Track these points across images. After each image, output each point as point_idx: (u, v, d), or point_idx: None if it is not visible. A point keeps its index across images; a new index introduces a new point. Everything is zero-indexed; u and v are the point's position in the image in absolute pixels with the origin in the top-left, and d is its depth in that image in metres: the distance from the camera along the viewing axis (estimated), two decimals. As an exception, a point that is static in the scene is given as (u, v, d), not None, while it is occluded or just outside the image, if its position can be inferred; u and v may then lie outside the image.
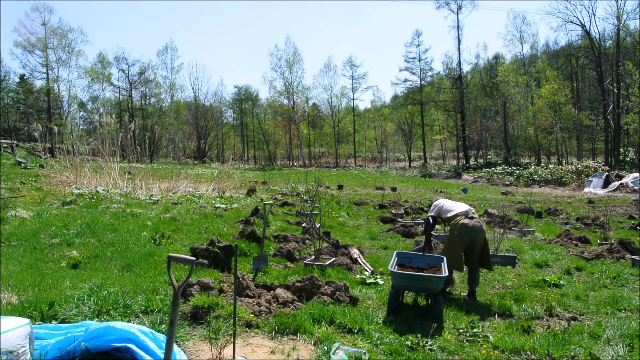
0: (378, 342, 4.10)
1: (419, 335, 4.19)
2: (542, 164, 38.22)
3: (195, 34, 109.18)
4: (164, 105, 59.28)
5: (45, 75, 46.80)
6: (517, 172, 33.88)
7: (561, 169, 31.66)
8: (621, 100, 36.66)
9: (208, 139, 63.80)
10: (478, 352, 4.04)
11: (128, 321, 3.99)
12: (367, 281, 6.13)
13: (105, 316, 4.09)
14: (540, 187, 27.87)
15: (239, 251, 6.99)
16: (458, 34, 48.00)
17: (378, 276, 6.45)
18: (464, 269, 5.93)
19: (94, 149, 20.41)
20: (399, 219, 12.32)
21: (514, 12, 79.17)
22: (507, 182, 30.57)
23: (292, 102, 57.99)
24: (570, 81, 47.26)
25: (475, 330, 4.52)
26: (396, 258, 5.59)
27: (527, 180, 30.56)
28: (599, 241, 9.41)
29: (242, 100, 66.27)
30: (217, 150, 68.77)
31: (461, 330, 4.52)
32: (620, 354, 4.02)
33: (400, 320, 4.67)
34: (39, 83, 50.61)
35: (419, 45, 53.58)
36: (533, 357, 3.93)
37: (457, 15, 47.49)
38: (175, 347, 3.25)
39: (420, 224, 11.16)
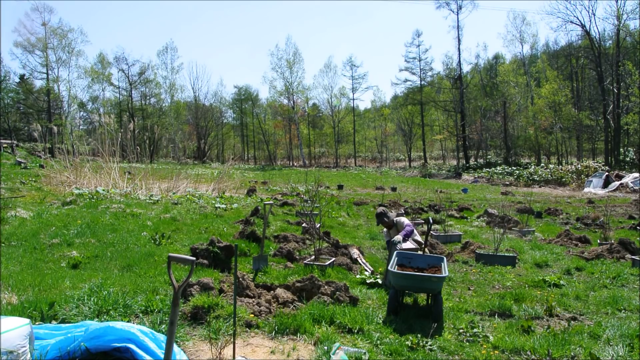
0: (378, 342, 4.10)
1: (419, 335, 4.19)
2: (542, 164, 38.21)
3: (195, 34, 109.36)
4: (164, 105, 59.27)
5: (45, 75, 46.83)
6: (517, 172, 33.88)
7: (561, 169, 31.67)
8: (621, 100, 36.67)
9: (208, 139, 63.80)
10: (478, 352, 4.04)
11: (128, 321, 3.99)
12: (367, 281, 6.13)
13: (105, 316, 4.09)
14: (540, 187, 27.87)
15: (239, 251, 6.99)
16: (458, 34, 48.13)
17: (378, 276, 6.44)
18: None
19: (93, 149, 20.44)
20: (399, 219, 12.30)
21: (514, 12, 79.51)
22: (507, 182, 30.57)
23: (292, 102, 58.00)
24: (570, 81, 47.26)
25: (475, 330, 4.51)
26: (396, 258, 5.59)
27: (527, 180, 30.56)
28: (599, 241, 9.41)
29: (242, 100, 66.25)
30: (217, 150, 68.75)
31: (461, 330, 4.51)
32: (620, 354, 4.02)
33: (400, 320, 4.67)
34: (39, 83, 50.70)
35: (419, 45, 53.72)
36: (533, 357, 3.93)
37: (457, 15, 47.64)
38: (175, 347, 3.25)
39: (420, 224, 11.16)
